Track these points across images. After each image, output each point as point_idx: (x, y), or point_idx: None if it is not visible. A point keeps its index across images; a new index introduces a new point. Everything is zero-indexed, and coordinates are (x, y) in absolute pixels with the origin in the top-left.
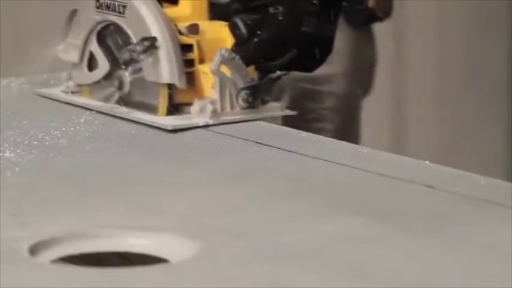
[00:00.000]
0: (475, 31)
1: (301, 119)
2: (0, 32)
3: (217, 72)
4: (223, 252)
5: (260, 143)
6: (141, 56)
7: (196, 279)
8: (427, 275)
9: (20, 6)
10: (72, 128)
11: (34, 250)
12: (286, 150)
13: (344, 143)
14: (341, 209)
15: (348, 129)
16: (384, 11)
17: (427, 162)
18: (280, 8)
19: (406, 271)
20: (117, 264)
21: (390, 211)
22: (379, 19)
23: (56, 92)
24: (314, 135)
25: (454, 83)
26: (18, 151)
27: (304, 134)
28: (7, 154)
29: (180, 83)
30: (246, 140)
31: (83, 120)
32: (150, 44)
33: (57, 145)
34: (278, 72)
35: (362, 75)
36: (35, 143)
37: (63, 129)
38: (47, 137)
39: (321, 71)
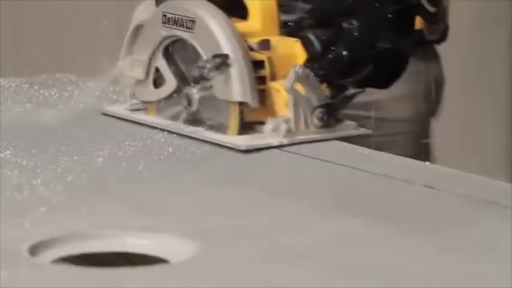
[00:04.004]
0: (475, 30)
1: (366, 144)
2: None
3: (291, 90)
4: (223, 252)
5: None
6: (212, 74)
7: (196, 279)
8: (427, 275)
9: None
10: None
11: (34, 250)
12: (286, 151)
13: (344, 143)
14: (341, 209)
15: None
16: (438, 34)
17: (427, 162)
18: (355, 23)
19: (406, 271)
20: (117, 264)
21: (390, 211)
22: (433, 42)
23: (120, 109)
24: None
25: (454, 83)
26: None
27: None
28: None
29: (252, 101)
30: None
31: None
32: (222, 62)
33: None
34: (353, 90)
35: (424, 98)
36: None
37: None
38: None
39: (381, 94)
